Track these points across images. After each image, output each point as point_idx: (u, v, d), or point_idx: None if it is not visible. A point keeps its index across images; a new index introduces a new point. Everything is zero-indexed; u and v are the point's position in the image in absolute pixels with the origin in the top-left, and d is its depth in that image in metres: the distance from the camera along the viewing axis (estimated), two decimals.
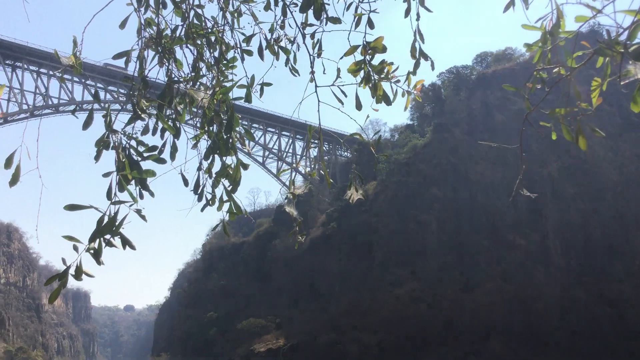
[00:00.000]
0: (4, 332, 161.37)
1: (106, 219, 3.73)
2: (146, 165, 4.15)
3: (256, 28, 5.24)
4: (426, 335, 78.27)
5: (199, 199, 4.68)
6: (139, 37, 4.85)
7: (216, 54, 5.20)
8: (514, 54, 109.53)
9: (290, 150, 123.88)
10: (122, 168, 3.90)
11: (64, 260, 3.67)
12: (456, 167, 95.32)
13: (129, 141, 4.11)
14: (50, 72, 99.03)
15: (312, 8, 4.35)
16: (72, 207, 3.72)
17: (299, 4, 5.20)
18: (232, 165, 4.78)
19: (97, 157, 3.98)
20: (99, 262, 3.76)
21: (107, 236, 3.81)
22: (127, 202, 3.87)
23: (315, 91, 4.96)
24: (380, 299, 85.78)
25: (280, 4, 5.11)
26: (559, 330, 76.55)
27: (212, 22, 5.17)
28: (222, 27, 4.97)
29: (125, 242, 3.82)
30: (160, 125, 4.60)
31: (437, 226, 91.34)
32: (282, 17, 5.16)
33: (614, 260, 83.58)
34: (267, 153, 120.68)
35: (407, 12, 4.68)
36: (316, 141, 5.45)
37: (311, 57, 5.09)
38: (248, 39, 5.22)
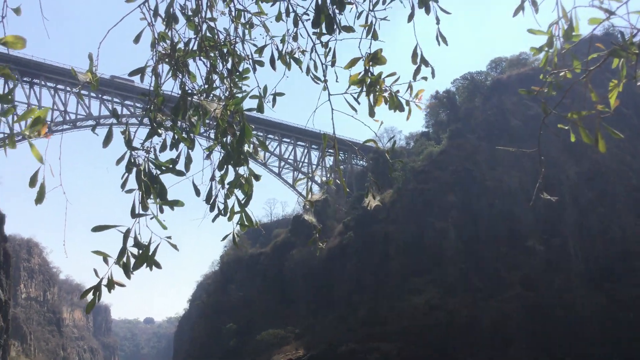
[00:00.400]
0: (26, 346, 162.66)
1: (131, 238, 3.78)
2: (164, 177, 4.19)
3: (268, 39, 5.27)
4: (446, 344, 77.63)
5: (211, 209, 4.70)
6: (153, 51, 4.89)
7: (229, 65, 5.23)
8: (528, 58, 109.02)
9: (306, 160, 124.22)
10: (144, 187, 3.94)
11: (96, 272, 3.74)
12: (473, 174, 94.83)
13: (147, 155, 4.15)
14: (67, 88, 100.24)
15: (323, 23, 4.35)
16: (98, 228, 3.79)
17: (310, 16, 5.24)
18: (245, 176, 4.80)
19: (123, 185, 4.03)
20: (128, 276, 3.82)
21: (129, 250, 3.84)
22: (148, 215, 3.92)
23: (329, 99, 4.97)
24: (399, 308, 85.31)
25: (292, 15, 5.13)
26: (580, 337, 75.55)
27: (225, 35, 5.21)
28: (235, 39, 5.00)
29: (154, 264, 3.88)
30: (165, 135, 4.64)
31: (454, 233, 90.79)
32: (293, 28, 5.19)
33: (634, 265, 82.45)
34: (282, 163, 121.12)
35: (410, 18, 4.69)
36: (332, 150, 5.46)
37: (324, 65, 5.11)
38: (260, 50, 5.25)
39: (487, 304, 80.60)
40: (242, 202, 4.65)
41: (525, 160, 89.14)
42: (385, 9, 4.98)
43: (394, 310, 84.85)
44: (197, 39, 5.01)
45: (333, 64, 5.34)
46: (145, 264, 3.90)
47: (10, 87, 3.51)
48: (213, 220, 4.82)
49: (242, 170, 4.87)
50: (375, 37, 4.69)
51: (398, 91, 4.73)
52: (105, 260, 3.79)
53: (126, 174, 4.03)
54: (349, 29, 4.98)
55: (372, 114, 4.88)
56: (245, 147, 4.94)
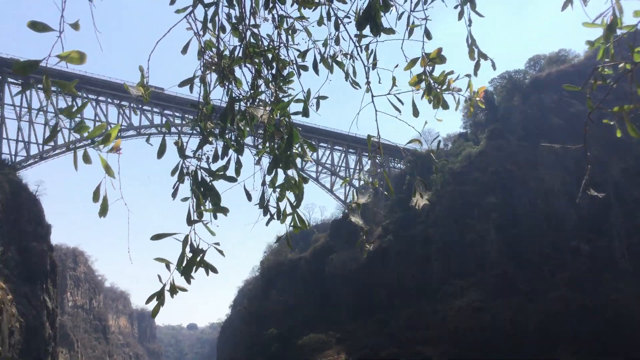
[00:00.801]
0: (73, 354, 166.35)
1: (188, 246, 3.90)
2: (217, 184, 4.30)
3: (310, 43, 5.35)
4: (490, 347, 76.46)
5: (264, 214, 4.79)
6: (200, 60, 5.02)
7: (273, 71, 5.33)
8: (567, 55, 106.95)
9: (343, 164, 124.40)
10: (197, 195, 4.06)
11: (159, 278, 3.87)
12: (513, 174, 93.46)
13: (199, 163, 4.27)
14: (109, 100, 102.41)
15: (368, 25, 4.40)
16: (157, 237, 3.92)
17: (352, 18, 5.30)
18: (295, 179, 4.89)
19: (174, 194, 4.15)
20: (189, 281, 3.95)
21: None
22: (204, 221, 4.03)
23: (372, 101, 5.02)
24: (441, 311, 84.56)
25: (333, 18, 5.20)
26: (628, 339, 73.52)
27: (268, 41, 5.31)
28: (278, 45, 5.09)
29: (210, 268, 3.99)
30: (216, 144, 4.75)
31: (496, 235, 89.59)
32: (335, 32, 5.25)
33: None
34: (320, 168, 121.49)
35: (460, 15, 4.70)
36: (369, 153, 5.50)
37: (366, 67, 5.16)
38: (303, 55, 5.34)
39: (532, 306, 79.17)
40: (293, 203, 4.74)
41: (567, 159, 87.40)
42: (426, 9, 5.01)
43: (436, 314, 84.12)
44: (242, 46, 5.11)
45: (374, 66, 5.39)
46: (198, 268, 4.01)
47: (79, 104, 3.64)
48: (267, 224, 4.91)
49: (290, 173, 4.96)
50: (428, 36, 4.72)
51: (460, 89, 4.75)
52: (167, 267, 3.92)
53: (177, 183, 4.14)
54: (389, 31, 5.03)
55: (416, 113, 4.92)
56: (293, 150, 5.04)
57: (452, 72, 4.71)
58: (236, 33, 5.10)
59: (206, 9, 4.79)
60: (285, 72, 5.40)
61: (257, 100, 5.27)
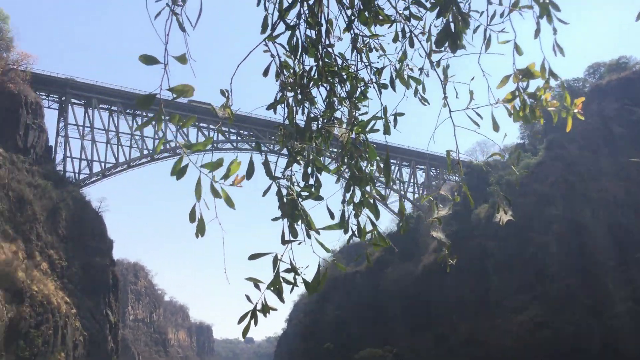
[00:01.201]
0: None
1: (283, 263, 3.98)
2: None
3: (386, 60, 5.38)
4: None
5: (345, 232, 4.82)
6: (277, 80, 5.12)
7: (348, 88, 5.38)
8: (628, 62, 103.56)
9: (397, 177, 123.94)
10: (288, 213, 4.14)
11: (248, 298, 3.95)
12: (574, 185, 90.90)
13: (288, 183, 4.35)
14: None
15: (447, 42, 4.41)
16: (254, 256, 4.02)
17: (427, 34, 5.31)
18: (375, 196, 4.91)
19: (277, 218, 4.24)
20: (282, 300, 4.01)
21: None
22: (297, 241, 4.10)
23: (450, 116, 5.01)
24: (501, 327, 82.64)
25: (408, 35, 5.22)
26: None
27: (343, 60, 5.36)
28: (356, 64, 5.14)
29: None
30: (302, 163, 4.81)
31: (557, 248, 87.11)
32: (410, 48, 5.27)
33: None
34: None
35: (537, 33, 4.65)
36: (448, 169, 5.47)
37: (442, 83, 5.16)
38: (379, 72, 5.37)
39: (596, 320, 76.49)
40: (373, 219, 4.76)
41: (631, 168, 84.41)
42: (502, 22, 4.97)
43: (497, 329, 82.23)
44: (318, 66, 5.19)
45: (446, 81, 5.37)
46: (293, 288, 4.09)
47: (206, 137, 3.76)
48: (348, 242, 4.94)
49: (368, 189, 4.99)
50: (519, 51, 4.68)
51: (557, 103, 4.70)
52: (257, 286, 3.99)
53: (280, 204, 4.23)
54: (463, 46, 5.01)
55: (496, 128, 4.87)
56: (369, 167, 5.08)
57: (548, 86, 4.65)
58: (312, 52, 5.18)
59: (287, 32, 4.87)
60: (359, 90, 5.45)
61: (332, 118, 5.33)
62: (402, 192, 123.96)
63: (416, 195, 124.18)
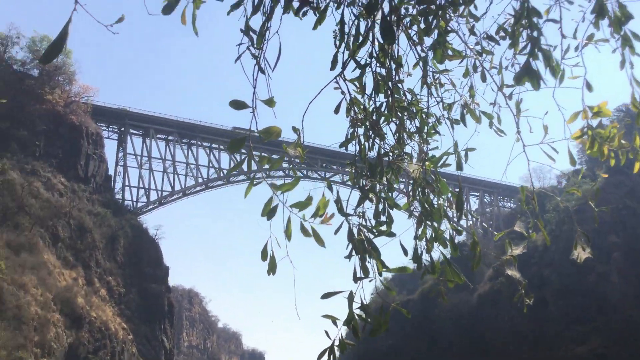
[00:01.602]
0: None
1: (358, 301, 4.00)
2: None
3: (456, 94, 5.37)
4: None
5: (418, 267, 4.79)
6: (347, 117, 5.18)
7: (417, 123, 5.39)
8: None
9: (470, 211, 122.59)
10: (360, 251, 4.15)
11: (327, 334, 3.97)
12: (635, 212, 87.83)
13: (360, 220, 4.37)
14: (221, 147, 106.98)
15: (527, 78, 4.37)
16: (327, 295, 4.06)
17: (498, 68, 5.28)
18: (447, 231, 4.89)
19: (349, 256, 4.25)
20: (358, 337, 4.02)
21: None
22: (369, 279, 4.10)
23: (524, 151, 4.95)
24: (560, 358, 79.85)
25: (479, 69, 5.20)
26: None
27: (412, 95, 5.38)
28: (426, 99, 5.15)
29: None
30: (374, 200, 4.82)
31: (618, 277, 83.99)
32: (482, 83, 5.25)
33: None
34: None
35: (623, 64, 4.56)
36: (522, 203, 5.39)
37: (515, 117, 5.11)
38: (449, 107, 5.36)
39: None
40: (448, 255, 4.72)
41: None
42: (577, 55, 4.90)
43: None
44: (388, 102, 5.22)
45: (518, 114, 5.31)
46: (366, 325, 4.08)
47: (292, 178, 3.82)
48: (422, 278, 4.91)
49: (440, 225, 4.96)
50: (589, 88, 4.61)
51: (627, 144, 4.60)
52: (334, 323, 4.01)
53: (349, 244, 4.24)
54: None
55: (573, 162, 4.79)
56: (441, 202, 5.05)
57: (616, 125, 4.56)
58: (382, 90, 5.21)
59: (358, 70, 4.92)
60: (428, 125, 5.45)
61: (402, 153, 5.33)
62: (471, 222, 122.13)
63: (469, 223, 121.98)
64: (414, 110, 5.37)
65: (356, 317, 4.04)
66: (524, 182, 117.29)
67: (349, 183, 4.98)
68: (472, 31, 5.10)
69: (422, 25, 4.83)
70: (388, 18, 4.09)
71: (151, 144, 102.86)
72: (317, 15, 4.59)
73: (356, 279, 4.14)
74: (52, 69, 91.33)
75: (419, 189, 4.94)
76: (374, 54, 4.86)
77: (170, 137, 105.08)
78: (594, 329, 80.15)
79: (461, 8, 5.18)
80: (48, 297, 65.15)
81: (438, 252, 5.15)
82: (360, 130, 5.23)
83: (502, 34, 5.18)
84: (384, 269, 4.25)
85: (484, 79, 5.21)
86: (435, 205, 5.02)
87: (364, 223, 4.46)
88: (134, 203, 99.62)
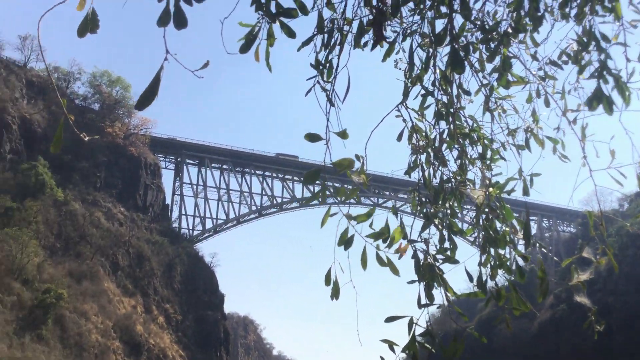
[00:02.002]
0: None
1: (418, 325, 3.99)
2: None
3: (520, 121, 5.36)
4: None
5: (483, 294, 4.76)
6: (409, 144, 5.23)
7: (479, 149, 5.39)
8: None
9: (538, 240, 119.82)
10: (425, 277, 4.16)
11: (382, 358, 3.98)
12: None
13: (425, 247, 4.38)
14: (274, 175, 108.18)
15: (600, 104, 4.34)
16: (390, 319, 4.08)
17: (561, 92, 5.25)
18: (511, 257, 4.85)
19: (413, 282, 4.27)
20: None
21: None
22: (435, 305, 4.10)
23: (591, 175, 4.87)
24: None
25: (543, 95, 5.18)
26: None
27: (473, 121, 5.40)
28: (490, 125, 5.16)
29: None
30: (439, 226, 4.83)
31: None
32: (546, 108, 5.22)
33: None
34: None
35: None
36: (590, 229, 5.29)
37: (580, 141, 5.05)
38: (512, 133, 5.35)
39: None
40: (512, 282, 4.66)
41: None
42: None
43: None
44: (449, 128, 5.24)
45: (584, 139, 5.24)
46: (430, 351, 4.07)
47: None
48: (486, 305, 4.87)
49: (504, 251, 4.92)
50: None
51: None
52: (392, 349, 4.01)
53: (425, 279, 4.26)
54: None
55: None
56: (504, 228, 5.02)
57: None
58: (440, 115, 5.25)
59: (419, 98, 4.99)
60: (490, 151, 5.44)
61: (465, 179, 5.33)
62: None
63: (530, 248, 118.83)
64: (476, 137, 5.37)
65: (416, 343, 4.03)
66: (585, 205, 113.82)
67: (413, 210, 5.01)
68: (534, 57, 5.10)
69: (485, 53, 4.86)
70: (457, 48, 4.15)
71: (206, 173, 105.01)
72: (387, 47, 4.69)
73: (421, 305, 4.14)
74: (112, 102, 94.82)
75: (483, 216, 4.92)
76: (436, 82, 4.92)
77: (224, 166, 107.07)
78: None
79: (521, 35, 5.19)
80: (108, 325, 66.68)
81: (502, 278, 5.10)
82: (422, 157, 5.27)
83: (564, 58, 5.16)
84: (453, 296, 4.23)
85: (547, 104, 5.18)
86: (500, 232, 4.99)
87: (428, 249, 4.47)
88: (190, 231, 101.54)
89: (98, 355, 62.14)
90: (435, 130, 5.20)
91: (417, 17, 5.16)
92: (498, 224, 5.02)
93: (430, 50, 4.71)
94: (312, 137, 3.79)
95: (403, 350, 4.09)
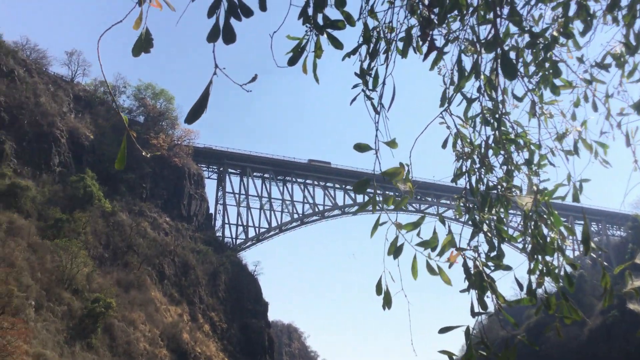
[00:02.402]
0: None
1: (473, 332, 3.97)
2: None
3: (565, 126, 5.28)
4: None
5: (534, 303, 4.69)
6: (454, 151, 5.20)
7: (526, 155, 5.32)
8: None
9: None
10: (477, 285, 4.13)
11: None
12: None
13: (475, 254, 4.35)
14: (315, 182, 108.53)
15: None
16: (444, 330, 4.06)
17: (605, 96, 5.15)
18: (560, 265, 4.76)
19: (464, 291, 4.26)
20: None
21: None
22: (488, 313, 4.06)
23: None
24: None
25: (591, 99, 5.09)
26: None
27: (519, 127, 5.33)
28: (537, 130, 5.09)
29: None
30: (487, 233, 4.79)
31: None
32: (594, 111, 5.13)
33: None
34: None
35: None
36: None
37: (631, 145, 4.95)
38: (559, 138, 5.26)
39: None
40: (563, 290, 4.58)
41: None
42: None
43: None
44: (495, 134, 5.19)
45: (628, 143, 5.13)
46: None
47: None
48: (536, 314, 4.80)
49: (552, 259, 4.84)
50: None
51: None
52: (451, 358, 3.99)
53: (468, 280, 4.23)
54: None
55: None
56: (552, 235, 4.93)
57: None
58: (489, 123, 5.20)
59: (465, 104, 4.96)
60: (537, 157, 5.36)
61: (512, 186, 5.27)
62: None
63: (577, 253, 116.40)
64: (522, 142, 5.31)
65: (474, 353, 3.99)
66: (635, 208, 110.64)
67: (458, 217, 4.97)
68: (581, 60, 5.02)
69: (531, 57, 4.81)
70: (507, 53, 4.11)
71: (248, 182, 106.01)
72: (434, 55, 4.69)
73: (474, 313, 4.11)
74: (156, 114, 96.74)
75: (531, 222, 4.85)
76: (480, 88, 4.88)
77: (266, 175, 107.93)
78: None
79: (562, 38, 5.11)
80: (156, 333, 67.77)
81: (550, 285, 5.02)
82: (467, 164, 5.24)
83: (607, 61, 5.07)
84: (504, 303, 4.19)
85: (595, 108, 5.09)
86: (548, 239, 4.91)
87: (478, 257, 4.43)
88: (234, 240, 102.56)
89: None
90: (480, 136, 5.16)
91: (457, 24, 5.15)
92: (545, 231, 4.95)
93: (474, 56, 4.68)
94: (362, 147, 3.81)
95: None
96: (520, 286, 4.70)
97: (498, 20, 4.48)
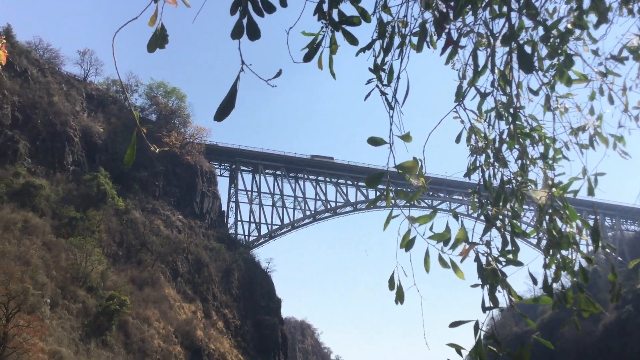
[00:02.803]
0: None
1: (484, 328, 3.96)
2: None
3: (582, 119, 5.24)
4: None
5: (550, 296, 4.67)
6: (468, 145, 5.18)
7: (541, 149, 5.28)
8: None
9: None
10: (489, 280, 4.11)
11: None
12: None
13: (487, 249, 4.33)
14: (327, 179, 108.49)
15: None
16: (455, 324, 4.05)
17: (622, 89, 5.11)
18: (575, 259, 4.74)
19: (476, 286, 4.24)
20: None
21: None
22: (500, 308, 4.05)
23: None
24: None
25: (606, 92, 5.05)
26: None
27: (534, 121, 5.30)
28: (552, 124, 5.06)
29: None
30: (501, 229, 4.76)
31: None
32: (609, 105, 5.09)
33: None
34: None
35: None
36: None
37: None
38: (575, 132, 5.23)
39: None
40: (578, 284, 4.56)
41: None
42: None
43: None
44: (509, 129, 5.17)
45: None
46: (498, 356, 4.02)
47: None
48: (553, 308, 4.77)
49: (568, 253, 4.81)
50: None
51: None
52: (459, 352, 3.97)
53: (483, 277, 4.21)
54: None
55: None
56: (568, 229, 4.91)
57: None
58: (501, 116, 5.18)
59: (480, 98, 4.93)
60: (552, 151, 5.32)
61: (527, 180, 5.23)
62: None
63: (590, 248, 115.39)
64: (537, 136, 5.27)
65: (482, 347, 3.98)
66: None
67: (472, 212, 4.96)
68: (596, 53, 4.98)
69: (546, 50, 4.78)
70: (523, 46, 4.09)
71: (260, 179, 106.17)
72: (450, 49, 4.67)
73: (485, 308, 4.09)
74: (168, 112, 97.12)
75: (546, 217, 4.82)
76: (494, 82, 4.86)
77: (278, 172, 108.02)
78: None
79: (577, 31, 5.07)
80: (170, 330, 68.14)
81: (566, 279, 4.99)
82: (481, 158, 5.21)
83: (624, 54, 5.03)
84: (517, 299, 4.17)
85: (611, 101, 5.05)
86: (564, 233, 4.88)
87: (490, 252, 4.41)
88: (246, 237, 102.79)
89: None
90: (494, 130, 5.13)
91: (471, 18, 5.12)
92: (560, 225, 4.92)
93: (488, 50, 4.65)
94: (376, 141, 3.80)
95: (470, 354, 4.05)
96: (535, 281, 4.67)
97: (512, 14, 4.46)
